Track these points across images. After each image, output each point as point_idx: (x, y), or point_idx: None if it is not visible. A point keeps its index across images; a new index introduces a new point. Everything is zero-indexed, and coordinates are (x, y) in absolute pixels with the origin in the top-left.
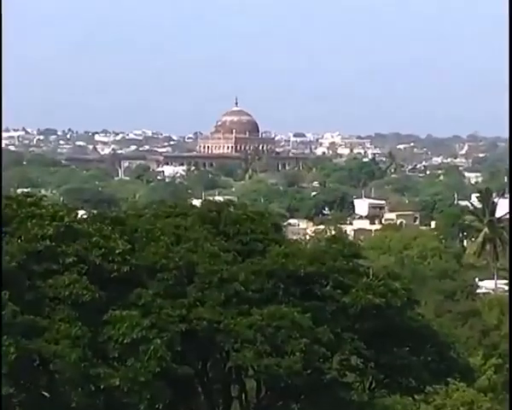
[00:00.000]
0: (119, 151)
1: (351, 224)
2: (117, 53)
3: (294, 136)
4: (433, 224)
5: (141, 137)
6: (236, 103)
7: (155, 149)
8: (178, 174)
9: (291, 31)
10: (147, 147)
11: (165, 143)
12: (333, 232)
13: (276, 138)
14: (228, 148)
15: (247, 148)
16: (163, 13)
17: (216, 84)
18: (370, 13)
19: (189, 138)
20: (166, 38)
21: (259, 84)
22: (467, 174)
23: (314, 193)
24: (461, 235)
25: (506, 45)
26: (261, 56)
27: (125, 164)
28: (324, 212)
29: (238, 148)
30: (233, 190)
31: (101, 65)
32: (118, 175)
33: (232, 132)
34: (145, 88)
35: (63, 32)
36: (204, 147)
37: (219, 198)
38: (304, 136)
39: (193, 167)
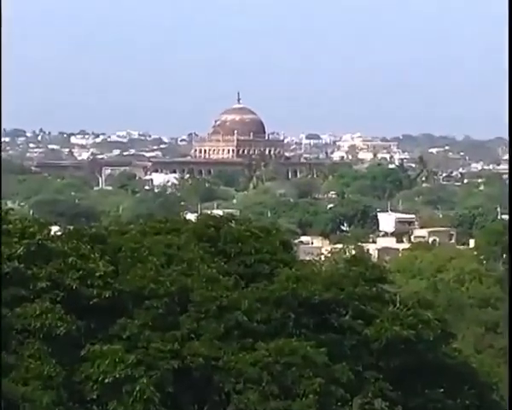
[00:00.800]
0: (100, 156)
1: (374, 242)
2: (103, 49)
3: (307, 138)
4: (471, 242)
5: (125, 140)
6: (239, 100)
7: (142, 153)
8: (170, 183)
9: (301, 26)
10: (132, 151)
11: (155, 147)
12: (353, 252)
13: (286, 141)
14: (228, 152)
15: (251, 152)
16: (162, 12)
17: (216, 83)
18: (400, 6)
19: (182, 141)
20: (163, 36)
21: (266, 81)
22: None
23: (330, 205)
24: (505, 256)
25: None
26: (268, 54)
27: (107, 171)
28: (343, 228)
29: (240, 152)
30: (234, 201)
31: (86, 61)
32: (98, 184)
33: (233, 134)
34: (133, 86)
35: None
36: (200, 151)
37: (218, 212)
38: (318, 138)
39: (187, 175)
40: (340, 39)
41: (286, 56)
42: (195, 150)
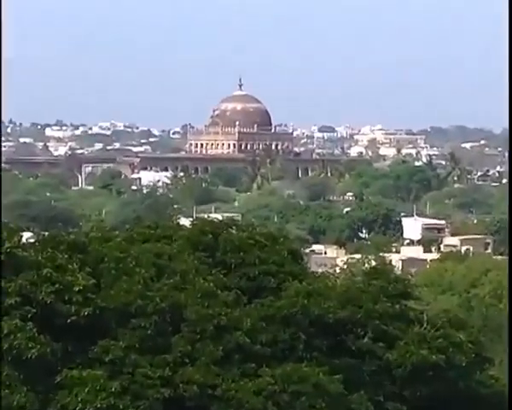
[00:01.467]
0: (79, 151)
1: (397, 252)
2: (101, 48)
3: (320, 130)
4: None
5: (109, 132)
6: (240, 86)
7: (129, 147)
8: (160, 183)
9: (312, 12)
10: (117, 145)
11: (143, 140)
12: (373, 263)
13: (295, 134)
14: (228, 146)
15: (255, 146)
16: (161, 11)
17: (216, 81)
18: None
19: (175, 134)
20: (162, 35)
21: (272, 69)
22: None
23: (347, 209)
24: None
25: None
26: (278, 39)
27: (88, 168)
28: (361, 235)
29: (243, 146)
30: (235, 204)
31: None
32: (77, 184)
33: (234, 125)
34: (128, 83)
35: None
36: (196, 145)
37: (217, 216)
38: (333, 130)
39: (180, 173)
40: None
41: (294, 42)
42: (190, 145)
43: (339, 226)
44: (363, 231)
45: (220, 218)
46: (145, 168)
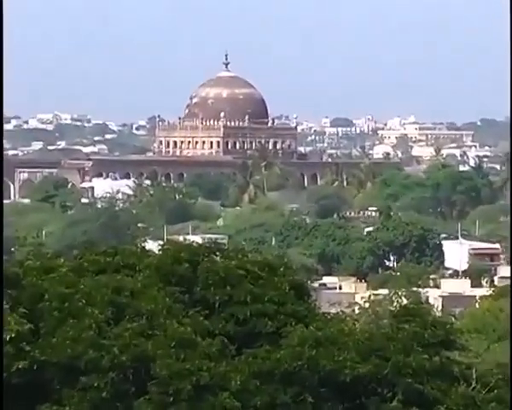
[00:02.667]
0: (11, 152)
1: (436, 286)
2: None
3: (333, 124)
4: None
5: (51, 126)
6: (227, 65)
7: (78, 147)
8: (120, 194)
9: None
10: (62, 144)
11: (97, 138)
12: (403, 301)
13: (300, 129)
14: (211, 145)
15: (247, 145)
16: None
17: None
18: None
19: (139, 129)
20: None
21: (270, 42)
22: None
23: (369, 229)
24: None
25: None
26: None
27: (23, 175)
28: (388, 263)
29: (230, 145)
30: (220, 222)
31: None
32: (8, 195)
33: (219, 117)
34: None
35: None
36: (167, 144)
37: (195, 238)
38: (350, 123)
39: (147, 182)
40: None
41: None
42: (160, 143)
43: (358, 252)
44: (391, 259)
45: (200, 241)
46: (99, 175)
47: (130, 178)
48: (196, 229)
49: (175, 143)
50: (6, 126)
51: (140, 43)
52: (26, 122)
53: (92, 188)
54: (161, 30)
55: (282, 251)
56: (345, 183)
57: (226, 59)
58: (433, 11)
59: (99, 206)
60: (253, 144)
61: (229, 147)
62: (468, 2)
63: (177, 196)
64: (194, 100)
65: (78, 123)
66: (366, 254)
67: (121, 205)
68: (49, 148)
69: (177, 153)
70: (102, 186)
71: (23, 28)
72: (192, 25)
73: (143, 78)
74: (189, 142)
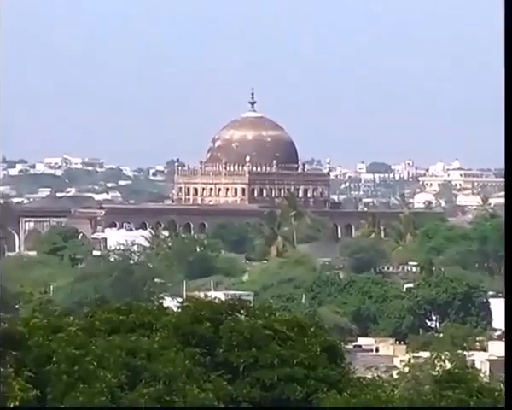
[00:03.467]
0: (16, 199)
1: (484, 349)
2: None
3: (370, 170)
4: None
5: (60, 171)
6: (253, 105)
7: (89, 194)
8: (135, 247)
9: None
10: (71, 190)
11: (110, 184)
12: (447, 366)
13: (334, 175)
14: (235, 193)
15: (274, 193)
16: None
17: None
18: None
19: (156, 174)
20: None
21: (301, 79)
22: None
23: (409, 285)
24: None
25: None
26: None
27: (29, 224)
28: (429, 324)
29: (256, 193)
30: (245, 277)
31: None
32: (13, 247)
33: (244, 162)
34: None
35: None
36: (187, 191)
37: (218, 294)
38: (388, 169)
39: (164, 232)
40: None
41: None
42: (180, 190)
43: (397, 311)
44: (433, 318)
45: (222, 297)
46: (112, 225)
47: (146, 228)
48: (219, 284)
49: (196, 190)
50: (11, 171)
51: (157, 82)
52: (33, 166)
53: (105, 239)
54: (181, 67)
55: (312, 309)
56: (382, 234)
57: (252, 98)
58: (481, 53)
59: (112, 259)
60: (282, 192)
61: (256, 195)
62: None
63: (197, 249)
64: (217, 143)
65: (90, 168)
66: (406, 313)
67: (136, 258)
68: (58, 195)
69: (198, 201)
70: (116, 237)
71: (32, 65)
72: (215, 62)
73: (161, 119)
74: (211, 189)
